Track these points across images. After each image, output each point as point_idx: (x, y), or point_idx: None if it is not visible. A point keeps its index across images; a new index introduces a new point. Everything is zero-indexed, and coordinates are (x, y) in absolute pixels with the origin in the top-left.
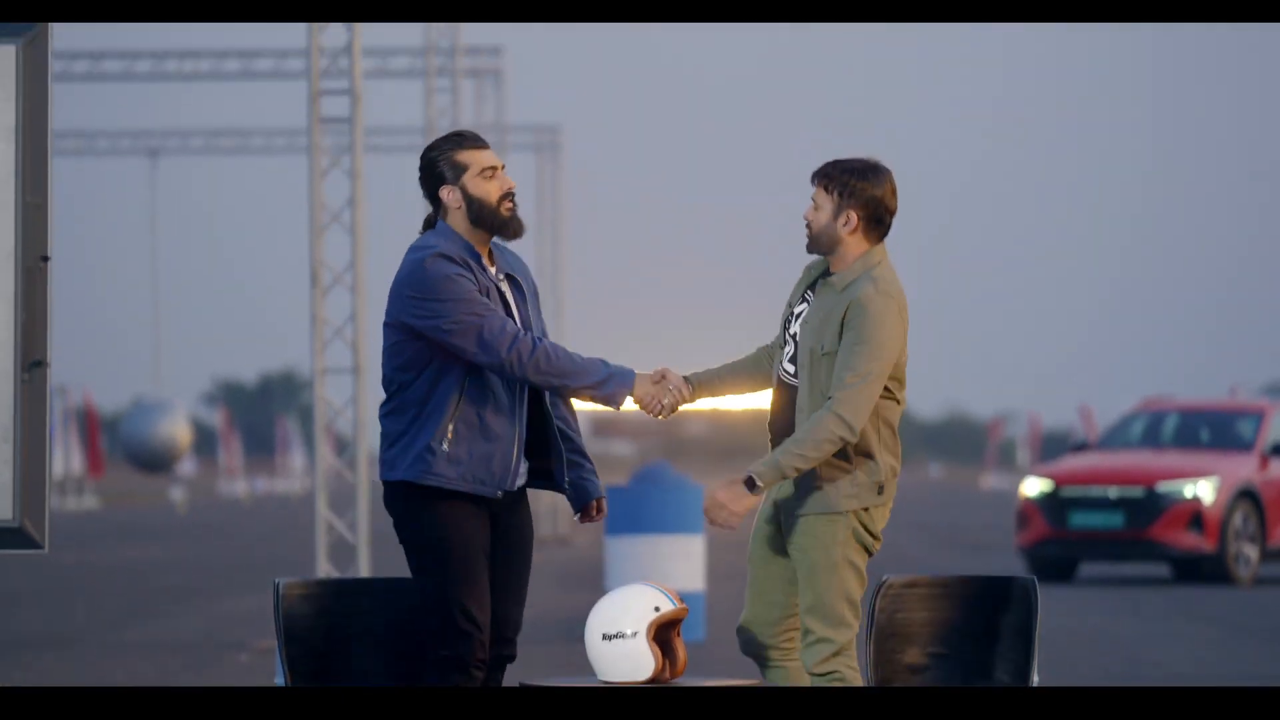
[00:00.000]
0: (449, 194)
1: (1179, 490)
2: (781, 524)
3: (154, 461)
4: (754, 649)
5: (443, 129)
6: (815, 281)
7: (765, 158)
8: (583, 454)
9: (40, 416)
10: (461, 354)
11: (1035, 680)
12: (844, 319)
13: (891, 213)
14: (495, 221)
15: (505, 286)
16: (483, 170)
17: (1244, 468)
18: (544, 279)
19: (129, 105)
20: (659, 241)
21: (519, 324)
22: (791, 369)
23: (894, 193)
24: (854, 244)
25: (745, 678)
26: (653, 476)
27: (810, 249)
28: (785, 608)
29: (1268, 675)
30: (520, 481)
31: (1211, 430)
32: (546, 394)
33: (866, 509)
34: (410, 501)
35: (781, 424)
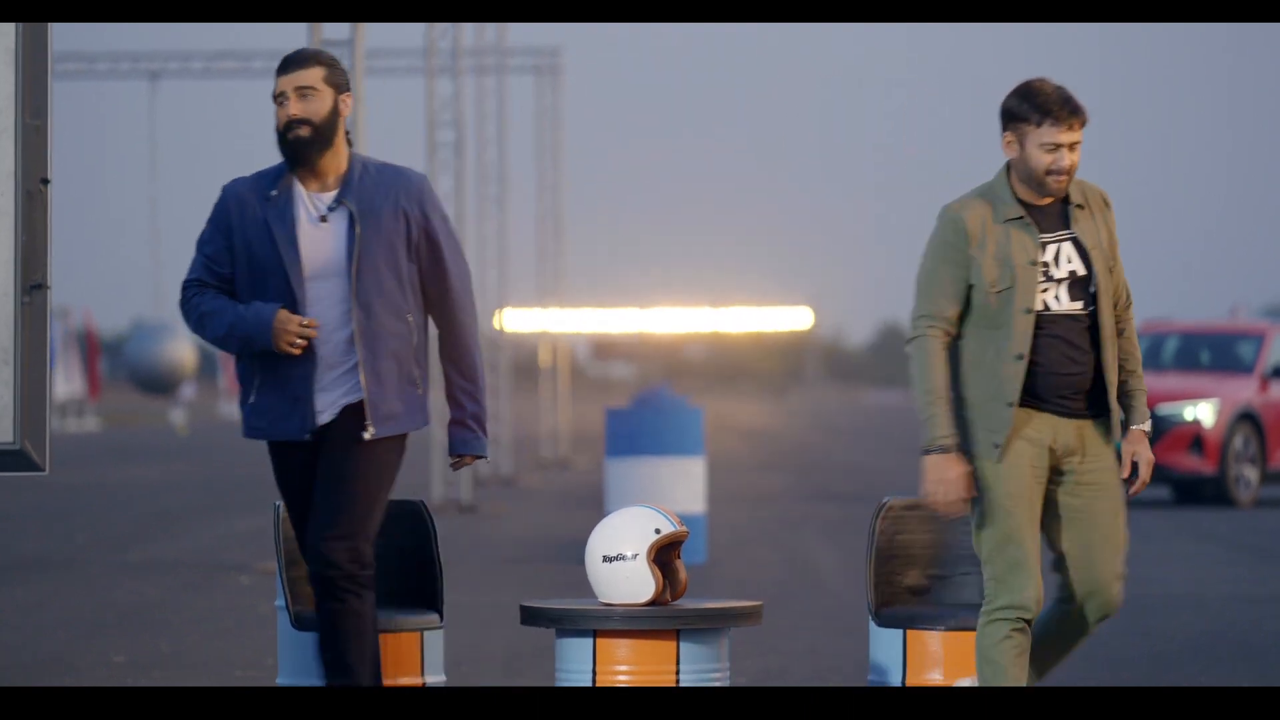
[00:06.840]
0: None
1: (1179, 413)
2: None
3: (159, 384)
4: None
5: (443, 51)
6: (1019, 219)
7: (762, 83)
8: (461, 404)
9: (41, 339)
10: None
11: None
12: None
13: None
14: (281, 149)
15: (312, 218)
16: (276, 97)
17: (1244, 390)
18: (543, 201)
19: (129, 27)
20: (657, 164)
21: (298, 253)
22: (1061, 298)
23: None
24: None
25: (744, 600)
26: (653, 399)
27: (1061, 193)
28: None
29: (1267, 595)
30: (327, 418)
31: (1212, 352)
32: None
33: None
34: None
35: (1050, 360)
